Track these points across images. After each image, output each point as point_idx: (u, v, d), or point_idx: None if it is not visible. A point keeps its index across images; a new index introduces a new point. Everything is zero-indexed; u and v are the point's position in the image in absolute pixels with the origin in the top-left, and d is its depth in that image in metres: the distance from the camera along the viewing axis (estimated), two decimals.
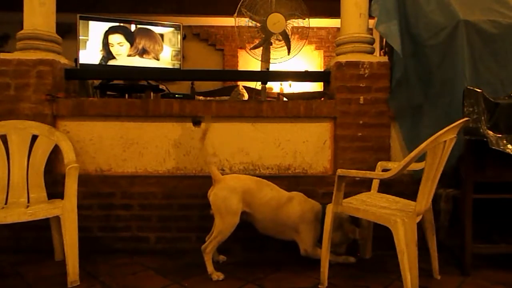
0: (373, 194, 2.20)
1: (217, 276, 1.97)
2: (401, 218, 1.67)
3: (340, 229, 2.14)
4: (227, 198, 2.01)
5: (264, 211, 2.10)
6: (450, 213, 2.18)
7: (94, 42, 2.86)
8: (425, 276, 1.96)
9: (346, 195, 1.97)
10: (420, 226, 1.95)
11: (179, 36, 3.05)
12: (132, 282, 1.94)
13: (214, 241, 1.99)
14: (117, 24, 2.91)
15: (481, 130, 1.93)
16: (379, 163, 2.30)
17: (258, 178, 2.17)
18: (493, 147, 1.90)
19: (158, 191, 2.39)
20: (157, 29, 2.99)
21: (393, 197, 2.08)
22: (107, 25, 2.88)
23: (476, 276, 2.02)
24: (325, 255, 1.90)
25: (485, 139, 1.91)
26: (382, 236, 1.88)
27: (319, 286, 1.90)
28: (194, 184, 2.40)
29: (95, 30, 2.86)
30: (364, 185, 2.34)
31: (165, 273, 2.05)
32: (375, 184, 2.26)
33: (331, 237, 1.91)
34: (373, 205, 1.90)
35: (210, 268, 1.98)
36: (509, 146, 1.93)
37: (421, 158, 1.67)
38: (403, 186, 2.33)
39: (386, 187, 2.27)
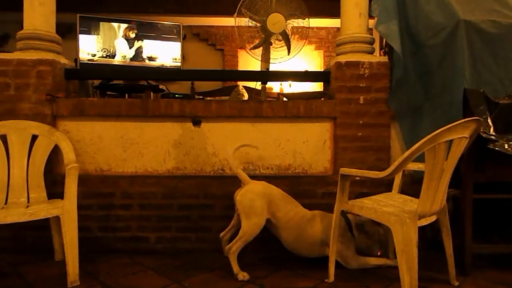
0: (392, 194, 2.16)
1: (243, 276, 1.95)
2: (402, 218, 1.66)
3: (363, 232, 2.13)
4: (254, 199, 2.03)
5: (288, 227, 2.09)
6: (449, 213, 2.17)
7: (94, 41, 2.86)
8: (429, 278, 1.97)
9: (350, 196, 1.98)
10: (438, 230, 1.96)
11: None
12: (132, 282, 1.94)
13: (239, 242, 1.98)
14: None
15: (489, 130, 1.92)
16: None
17: (285, 193, 2.16)
18: (493, 147, 1.90)
19: (158, 191, 2.39)
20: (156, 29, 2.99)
21: (411, 198, 2.03)
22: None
23: (476, 276, 2.02)
24: (332, 251, 1.94)
25: (492, 138, 1.90)
26: None
27: (325, 280, 1.93)
28: (194, 184, 2.40)
29: (95, 30, 2.86)
30: (365, 184, 2.36)
31: (165, 273, 2.05)
32: (396, 184, 2.22)
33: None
34: (384, 205, 1.87)
35: (236, 268, 1.97)
36: (505, 146, 1.92)
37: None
38: (403, 186, 2.32)
39: (386, 186, 2.26)
